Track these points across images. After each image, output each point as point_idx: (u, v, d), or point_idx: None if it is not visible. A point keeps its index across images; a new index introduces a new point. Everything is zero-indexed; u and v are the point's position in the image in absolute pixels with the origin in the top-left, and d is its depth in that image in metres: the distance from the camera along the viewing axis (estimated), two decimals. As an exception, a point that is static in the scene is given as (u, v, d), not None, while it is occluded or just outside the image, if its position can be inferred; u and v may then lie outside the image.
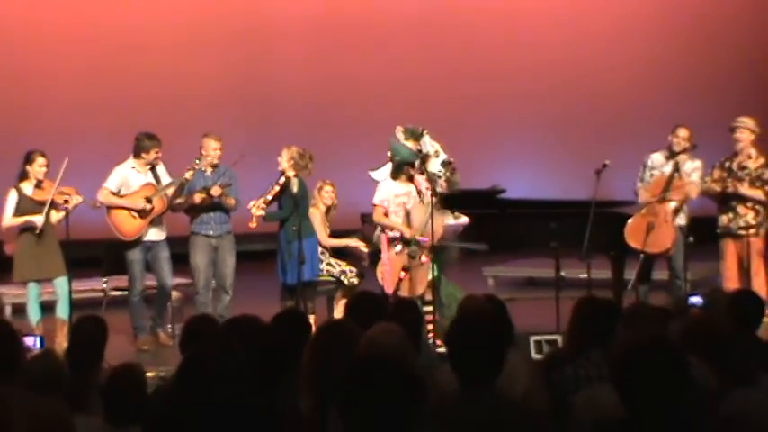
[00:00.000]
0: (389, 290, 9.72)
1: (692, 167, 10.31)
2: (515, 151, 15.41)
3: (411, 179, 10.05)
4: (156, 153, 10.22)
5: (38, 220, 9.81)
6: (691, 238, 10.10)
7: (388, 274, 9.86)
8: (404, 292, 9.71)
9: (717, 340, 4.68)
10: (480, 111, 15.39)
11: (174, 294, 10.90)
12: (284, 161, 10.07)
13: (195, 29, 14.81)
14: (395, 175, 10.04)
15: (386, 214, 9.98)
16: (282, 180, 10.00)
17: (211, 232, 10.35)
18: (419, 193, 9.98)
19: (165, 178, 10.30)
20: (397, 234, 9.88)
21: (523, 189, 11.66)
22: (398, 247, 9.89)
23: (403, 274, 9.78)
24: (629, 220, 10.11)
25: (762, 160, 10.35)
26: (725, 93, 15.46)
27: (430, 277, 9.83)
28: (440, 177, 10.15)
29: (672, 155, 10.29)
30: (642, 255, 9.95)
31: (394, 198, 9.98)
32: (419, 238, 9.75)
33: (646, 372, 3.65)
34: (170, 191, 10.20)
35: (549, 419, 4.61)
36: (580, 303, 5.95)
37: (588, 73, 15.82)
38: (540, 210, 10.45)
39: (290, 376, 4.63)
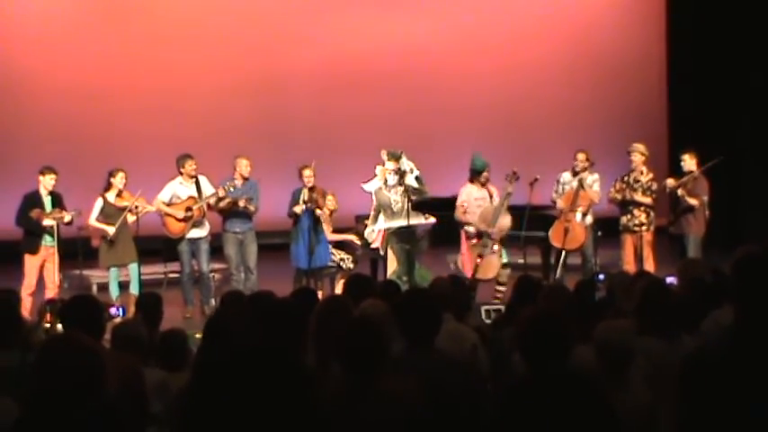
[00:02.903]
0: (468, 274, 9.66)
1: (593, 180, 10.40)
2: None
3: (484, 185, 10.07)
4: (191, 166, 10.30)
5: (110, 230, 9.93)
6: (600, 233, 10.28)
7: (467, 261, 9.92)
8: (480, 276, 9.70)
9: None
10: (442, 137, 15.39)
11: (216, 276, 10.97)
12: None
13: (230, 77, 14.79)
14: (472, 179, 10.09)
15: (464, 212, 9.96)
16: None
17: (238, 229, 10.43)
18: (491, 196, 10.01)
19: (208, 189, 10.36)
20: (473, 229, 9.88)
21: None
22: (474, 240, 9.88)
23: (479, 260, 9.71)
24: (552, 226, 10.18)
25: (651, 175, 10.46)
26: (620, 123, 15.48)
27: (502, 262, 9.82)
28: (415, 188, 10.18)
29: (575, 173, 10.39)
30: (563, 251, 10.07)
31: (474, 201, 10.00)
32: (490, 230, 9.72)
33: (540, 340, 3.60)
34: (210, 201, 10.30)
35: (479, 373, 4.63)
36: (517, 280, 6.03)
37: (518, 109, 15.83)
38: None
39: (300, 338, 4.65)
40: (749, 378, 2.93)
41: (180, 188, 10.37)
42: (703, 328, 4.75)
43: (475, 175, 10.07)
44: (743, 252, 3.08)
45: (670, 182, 10.52)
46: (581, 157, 10.44)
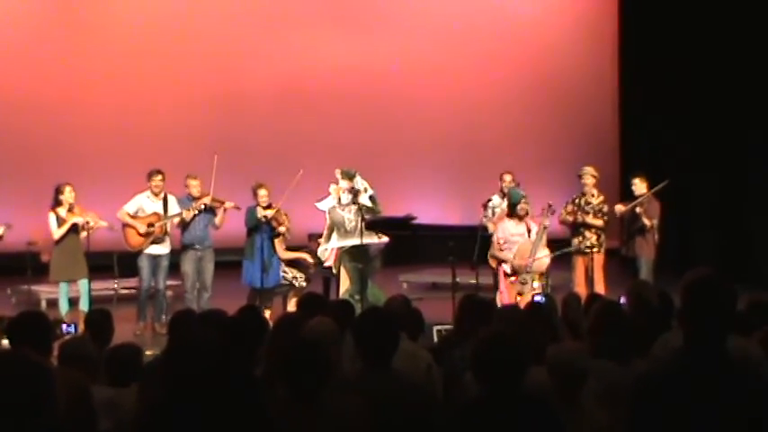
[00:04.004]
0: None
1: None
2: (423, 188, 15.45)
3: (522, 219, 9.79)
4: (156, 182, 10.23)
5: (78, 220, 9.90)
6: (555, 253, 10.14)
7: (506, 299, 9.53)
8: None
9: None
10: (397, 157, 15.44)
11: (169, 294, 10.87)
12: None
13: (186, 94, 14.72)
14: (509, 214, 9.82)
15: (501, 249, 9.71)
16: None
17: (198, 246, 10.34)
18: (528, 231, 9.76)
19: (174, 209, 10.28)
20: (509, 266, 9.61)
21: (429, 216, 11.67)
22: (512, 278, 9.61)
23: (518, 298, 9.39)
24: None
25: (602, 197, 10.52)
26: (574, 145, 15.59)
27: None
28: (369, 207, 10.17)
29: (504, 195, 10.41)
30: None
31: (510, 236, 9.74)
32: (528, 264, 9.41)
33: (495, 361, 3.60)
34: (174, 221, 10.27)
35: (434, 393, 4.63)
36: (462, 300, 6.03)
37: (473, 131, 15.92)
38: (442, 232, 10.36)
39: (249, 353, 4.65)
40: (699, 400, 2.95)
41: (146, 202, 10.29)
42: (654, 351, 4.77)
43: (512, 209, 9.83)
44: (692, 275, 3.10)
45: (619, 208, 10.56)
46: (508, 178, 10.52)
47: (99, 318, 6.33)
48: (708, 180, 14.15)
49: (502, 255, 9.73)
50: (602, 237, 10.43)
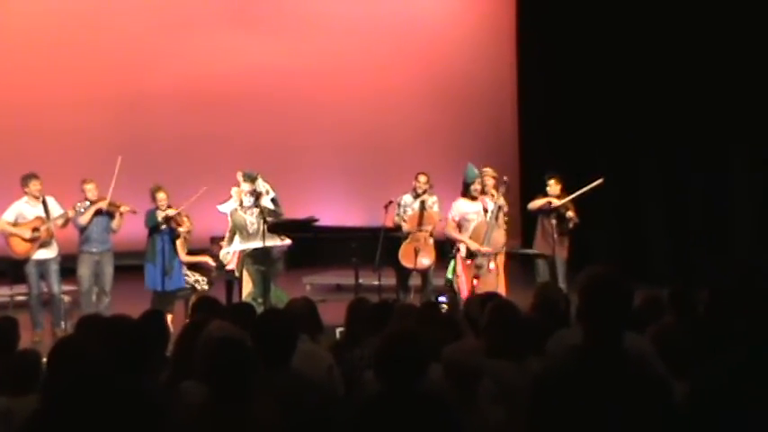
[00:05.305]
0: (465, 297, 8.98)
1: (432, 201, 10.49)
2: (326, 189, 15.44)
3: (476, 198, 9.72)
4: (35, 186, 10.00)
5: None
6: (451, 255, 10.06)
7: (463, 284, 9.46)
8: None
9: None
10: (300, 160, 15.39)
11: (67, 299, 10.63)
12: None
13: (85, 94, 14.44)
14: (464, 193, 9.73)
15: (456, 228, 9.59)
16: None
17: (95, 249, 10.17)
18: (485, 210, 9.69)
19: (56, 210, 10.06)
20: (464, 248, 9.47)
21: (332, 218, 11.66)
22: (468, 260, 9.48)
23: (475, 281, 9.34)
24: (401, 247, 10.18)
25: (502, 198, 10.59)
26: (474, 146, 15.70)
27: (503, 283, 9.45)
28: (271, 210, 10.12)
29: (417, 195, 10.46)
30: (411, 271, 10.10)
31: (466, 215, 9.64)
32: (483, 249, 9.35)
33: (395, 361, 3.65)
34: (58, 222, 10.04)
35: (335, 392, 4.64)
36: (351, 304, 6.06)
37: (378, 132, 15.97)
38: (344, 234, 10.33)
39: (152, 359, 4.60)
40: (597, 398, 2.99)
41: (26, 207, 10.04)
42: (549, 348, 4.82)
43: (466, 189, 9.77)
44: (588, 272, 3.14)
45: (555, 202, 10.39)
46: (422, 179, 10.51)
47: (7, 325, 6.13)
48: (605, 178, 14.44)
49: (456, 235, 9.67)
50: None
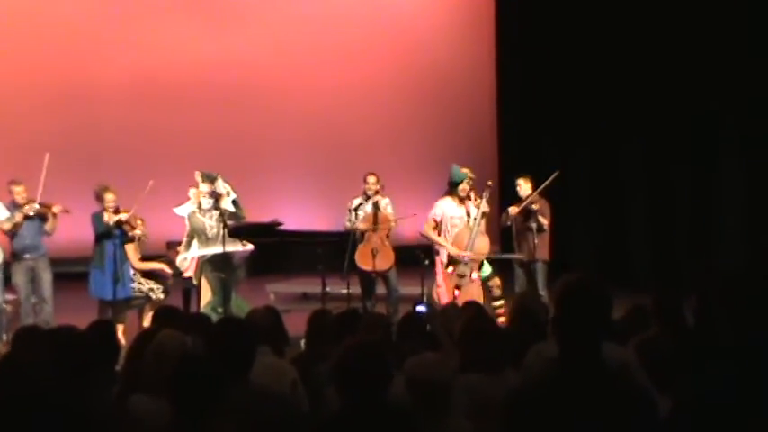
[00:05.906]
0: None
1: (385, 203, 10.49)
2: (290, 191, 15.43)
3: (462, 201, 9.69)
4: None
5: None
6: (426, 261, 9.98)
7: (443, 293, 9.42)
8: None
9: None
10: (264, 158, 15.38)
11: (9, 309, 10.56)
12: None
13: (28, 86, 14.34)
14: (449, 192, 9.70)
15: (435, 228, 9.57)
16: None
17: (28, 255, 10.10)
18: (468, 215, 9.66)
19: (2, 214, 9.97)
20: (445, 254, 9.44)
21: (297, 222, 11.65)
22: (450, 269, 9.43)
23: (457, 292, 9.29)
24: (357, 249, 10.17)
25: (479, 200, 10.59)
26: (450, 144, 15.78)
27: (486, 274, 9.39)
28: (232, 212, 10.08)
29: (368, 197, 10.45)
30: (374, 277, 10.10)
31: (449, 218, 9.62)
32: (465, 255, 9.29)
33: (355, 375, 3.66)
34: (4, 227, 9.98)
35: (299, 407, 4.63)
36: (311, 316, 6.04)
37: (345, 129, 15.98)
38: (310, 239, 10.32)
39: (100, 373, 4.57)
40: (574, 412, 2.99)
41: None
42: (528, 361, 4.84)
43: (452, 189, 9.75)
44: (565, 281, 3.15)
45: (513, 210, 10.55)
46: (372, 179, 10.50)
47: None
48: (584, 177, 14.57)
49: (435, 237, 9.67)
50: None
